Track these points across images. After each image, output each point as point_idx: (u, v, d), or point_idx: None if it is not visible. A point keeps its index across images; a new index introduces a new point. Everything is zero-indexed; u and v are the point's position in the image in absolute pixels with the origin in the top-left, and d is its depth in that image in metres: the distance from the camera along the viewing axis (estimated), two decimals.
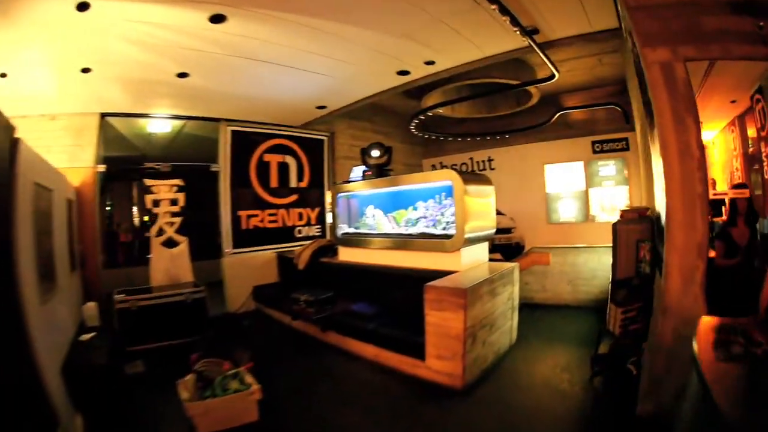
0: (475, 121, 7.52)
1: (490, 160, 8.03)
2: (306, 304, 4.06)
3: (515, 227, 7.07)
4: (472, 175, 3.81)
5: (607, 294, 3.38)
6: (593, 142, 6.74)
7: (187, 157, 5.81)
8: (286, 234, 5.87)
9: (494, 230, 3.90)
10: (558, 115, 6.12)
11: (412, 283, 3.32)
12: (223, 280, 5.14)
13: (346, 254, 4.56)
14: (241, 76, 4.01)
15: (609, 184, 6.69)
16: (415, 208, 4.09)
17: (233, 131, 5.38)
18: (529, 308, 4.59)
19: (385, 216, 4.36)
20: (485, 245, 3.93)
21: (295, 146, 6.04)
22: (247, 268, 5.37)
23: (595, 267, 4.66)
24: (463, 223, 3.40)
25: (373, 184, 4.30)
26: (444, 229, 3.76)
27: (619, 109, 5.69)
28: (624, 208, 3.63)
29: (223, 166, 5.30)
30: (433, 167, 8.72)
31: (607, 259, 3.69)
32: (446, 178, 3.55)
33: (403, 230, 4.16)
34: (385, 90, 4.83)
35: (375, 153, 4.42)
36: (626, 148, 6.43)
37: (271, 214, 5.73)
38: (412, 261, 3.81)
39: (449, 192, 3.64)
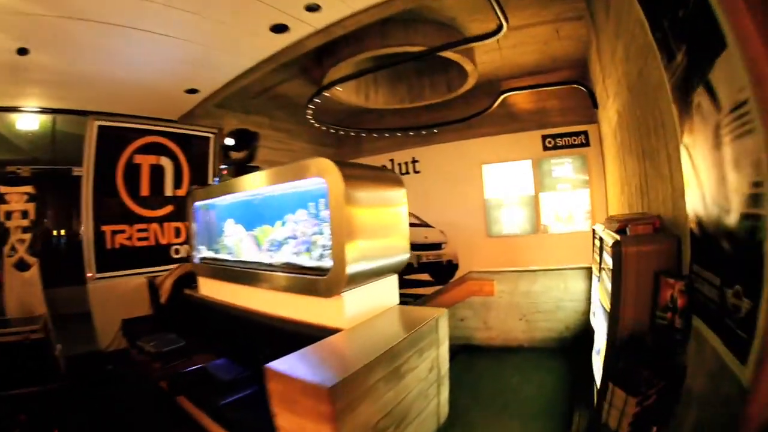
0: (396, 113, 6.69)
1: (414, 161, 7.12)
2: (151, 356, 3.19)
3: (447, 242, 6.60)
4: (366, 170, 2.46)
5: (578, 331, 2.88)
6: (544, 137, 5.86)
7: (63, 160, 5.21)
8: (160, 254, 5.32)
9: (406, 256, 2.55)
10: (501, 98, 4.98)
11: (282, 340, 2.26)
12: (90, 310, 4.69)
13: (206, 287, 3.50)
14: (85, 48, 3.53)
15: (565, 188, 5.78)
16: (283, 223, 2.78)
17: (100, 126, 4.88)
18: (467, 353, 3.83)
19: (247, 234, 3.17)
20: (392, 280, 2.53)
21: (172, 145, 5.50)
22: (116, 297, 4.81)
23: (560, 296, 3.60)
24: (343, 249, 2.03)
25: (231, 189, 3.10)
26: (320, 257, 2.37)
27: (583, 89, 4.60)
28: (617, 216, 2.28)
29: (87, 169, 4.83)
30: None
31: (577, 285, 3.23)
32: (318, 173, 2.18)
33: (265, 257, 2.85)
34: (265, 60, 3.97)
35: (230, 142, 3.35)
36: (585, 143, 5.58)
37: (141, 230, 5.22)
38: (280, 306, 2.54)
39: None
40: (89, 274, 4.79)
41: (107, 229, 4.94)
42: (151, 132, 5.30)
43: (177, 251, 5.41)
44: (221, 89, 4.61)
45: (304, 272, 2.38)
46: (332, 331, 2.09)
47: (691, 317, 1.71)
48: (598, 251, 2.71)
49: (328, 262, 2.19)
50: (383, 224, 2.28)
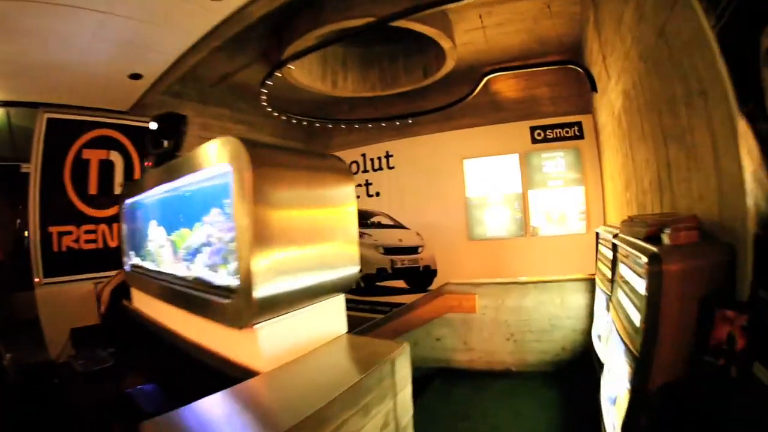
0: (369, 104, 6.31)
1: (388, 156, 6.58)
2: (84, 376, 2.92)
3: (423, 245, 6.14)
4: (295, 156, 1.87)
5: (576, 352, 2.63)
6: (533, 129, 5.37)
7: (25, 157, 5.02)
8: (108, 258, 4.93)
9: (355, 269, 1.98)
10: (485, 80, 4.45)
11: (206, 373, 1.86)
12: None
13: (137, 299, 3.18)
14: (26, 33, 3.30)
15: (556, 185, 5.28)
16: (202, 225, 2.18)
17: (49, 119, 4.68)
18: (443, 378, 3.30)
19: (167, 240, 2.70)
20: (336, 303, 1.97)
21: (123, 138, 5.24)
22: (65, 304, 4.53)
23: (555, 312, 3.11)
24: (249, 264, 1.48)
25: (147, 184, 2.76)
26: (236, 272, 1.73)
27: (580, 70, 4.09)
28: (644, 217, 1.72)
29: (34, 165, 4.63)
30: None
31: (576, 299, 2.84)
32: (225, 159, 1.63)
33: (182, 268, 2.34)
34: (207, 35, 3.63)
35: (153, 127, 2.86)
36: (579, 136, 5.10)
37: (88, 231, 4.92)
38: (199, 332, 2.06)
39: None
40: (36, 279, 4.60)
41: (54, 230, 4.73)
42: (101, 125, 5.08)
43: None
44: (167, 74, 4.31)
45: (214, 292, 1.79)
46: (250, 373, 1.58)
47: (752, 365, 1.25)
48: (607, 262, 2.17)
49: (234, 280, 1.57)
50: (319, 229, 1.69)
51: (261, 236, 1.43)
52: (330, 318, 1.87)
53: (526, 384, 3.11)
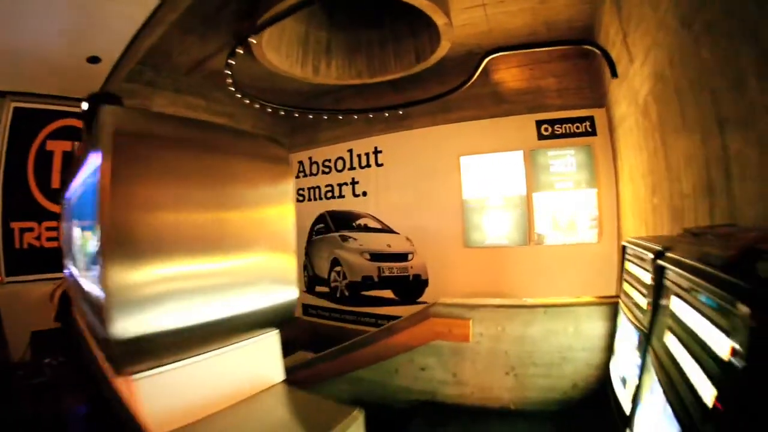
0: (358, 95, 5.93)
1: (376, 152, 6.15)
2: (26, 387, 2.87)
3: (414, 252, 5.75)
4: (187, 127, 1.37)
5: (589, 390, 2.25)
6: (539, 123, 4.87)
7: None
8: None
9: (291, 295, 1.55)
10: (486, 61, 3.96)
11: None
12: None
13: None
14: None
15: (565, 187, 4.76)
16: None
17: (15, 108, 4.61)
18: (427, 416, 2.88)
19: (79, 241, 2.45)
20: (268, 342, 1.50)
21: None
22: (27, 304, 4.43)
23: (567, 343, 2.60)
24: (106, 282, 1.00)
25: (70, 175, 2.61)
26: None
27: (596, 51, 3.62)
28: (718, 230, 1.19)
29: None
30: (301, 166, 6.94)
31: (593, 327, 2.41)
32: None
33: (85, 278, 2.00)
34: (161, 4, 3.33)
35: (85, 107, 2.66)
36: (591, 132, 4.61)
37: (50, 228, 4.81)
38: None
39: None
40: None
41: (16, 226, 4.66)
42: (66, 114, 4.95)
43: None
44: (127, 55, 4.06)
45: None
46: None
47: None
48: (641, 286, 1.67)
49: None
50: (234, 239, 1.17)
51: (124, 245, 0.93)
52: (258, 363, 1.37)
53: (528, 425, 2.63)
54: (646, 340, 1.62)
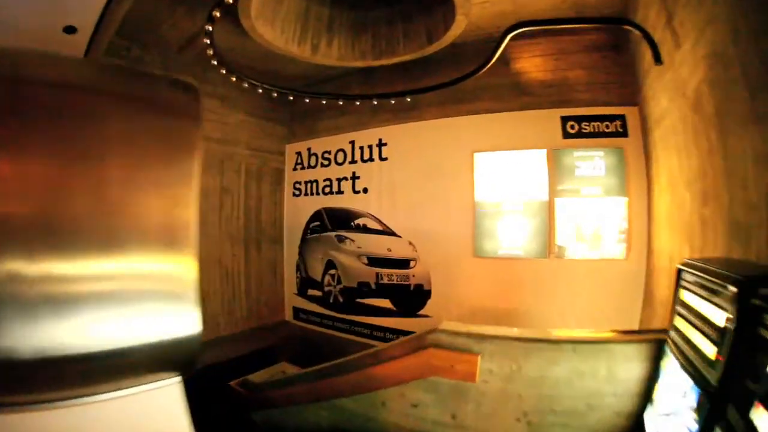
0: (365, 82, 5.67)
1: (381, 144, 5.78)
2: None
3: (417, 259, 5.39)
4: None
5: None
6: (564, 119, 4.42)
7: None
8: None
9: (193, 328, 1.06)
10: (508, 39, 3.58)
11: None
12: None
13: None
14: None
15: (592, 193, 4.32)
16: None
17: None
18: None
19: None
20: (167, 393, 1.03)
21: None
22: None
23: (596, 388, 2.16)
24: None
25: None
26: None
27: (636, 32, 3.24)
28: None
29: None
30: (299, 158, 6.70)
31: (628, 369, 1.99)
32: None
33: None
34: None
35: None
36: (621, 133, 4.19)
37: None
38: None
39: None
40: None
41: None
42: None
43: None
44: (103, 24, 3.81)
45: None
46: None
47: None
48: (710, 329, 1.27)
49: None
50: (91, 230, 0.75)
51: None
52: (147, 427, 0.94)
53: None
54: (714, 405, 1.21)
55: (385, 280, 5.39)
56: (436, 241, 5.16)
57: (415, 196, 5.35)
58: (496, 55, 3.79)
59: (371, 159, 5.77)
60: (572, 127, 4.34)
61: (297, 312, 6.66)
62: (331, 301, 5.99)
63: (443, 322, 2.49)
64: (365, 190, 5.82)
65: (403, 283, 5.32)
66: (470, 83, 4.26)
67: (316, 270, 6.19)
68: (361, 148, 5.89)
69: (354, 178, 5.92)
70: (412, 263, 5.34)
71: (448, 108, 5.03)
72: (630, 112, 4.08)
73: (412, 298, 5.30)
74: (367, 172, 5.80)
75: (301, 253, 6.56)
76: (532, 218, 4.58)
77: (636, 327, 3.72)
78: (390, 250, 5.49)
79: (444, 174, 5.17)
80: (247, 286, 6.40)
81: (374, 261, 5.50)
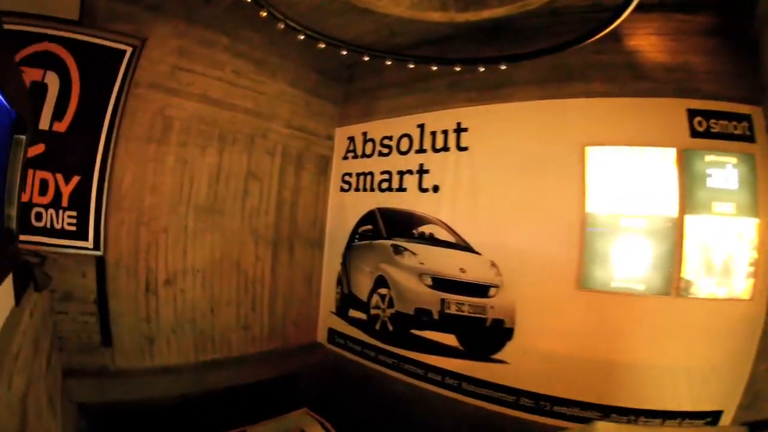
0: (433, 49, 6.36)
1: (459, 130, 6.51)
2: None
3: (500, 286, 5.95)
4: None
5: None
6: (691, 113, 5.02)
7: None
8: None
9: None
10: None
11: None
12: None
13: None
14: None
15: (725, 210, 4.87)
16: None
17: None
18: None
19: None
20: None
21: (66, 56, 5.78)
22: None
23: None
24: None
25: None
26: None
27: None
28: None
29: None
30: (351, 144, 7.73)
31: None
32: None
33: None
34: None
35: None
36: (749, 137, 4.81)
37: None
38: None
39: None
40: None
41: None
42: (44, 37, 5.63)
43: (40, 217, 5.67)
44: None
45: None
46: None
47: None
48: None
49: None
50: None
51: None
52: None
53: None
54: None
55: (453, 310, 6.03)
56: (528, 264, 5.72)
57: (504, 201, 5.97)
58: (619, 21, 4.54)
59: (445, 148, 6.54)
60: (700, 123, 4.96)
61: (333, 335, 7.61)
62: (377, 327, 6.83)
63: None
64: (435, 189, 6.57)
65: (477, 315, 5.95)
66: (577, 60, 4.97)
67: (363, 286, 7.04)
68: (433, 133, 6.68)
69: (421, 171, 6.71)
70: (492, 291, 5.93)
71: (548, 87, 5.72)
72: (755, 112, 4.69)
73: (487, 336, 5.93)
74: (440, 164, 6.57)
75: (345, 264, 7.49)
76: (656, 240, 5.11)
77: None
78: (464, 271, 6.11)
79: (544, 173, 5.74)
80: (271, 298, 7.35)
81: (440, 283, 6.13)
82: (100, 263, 5.77)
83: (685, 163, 4.97)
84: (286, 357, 7.19)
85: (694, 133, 4.95)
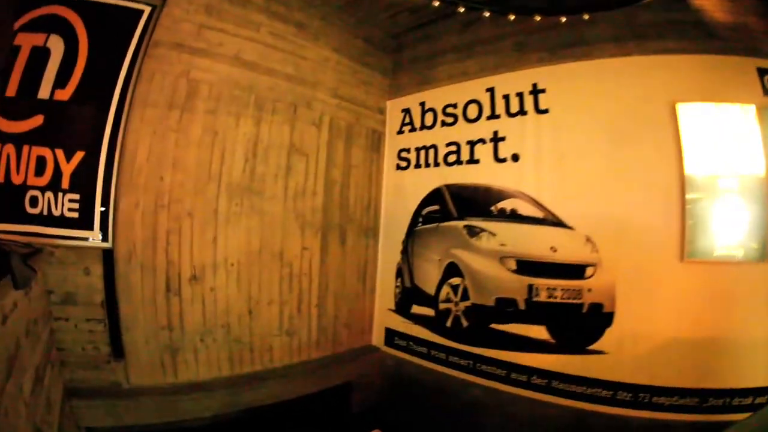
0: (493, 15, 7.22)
1: (536, 92, 7.44)
2: None
3: (597, 264, 6.61)
4: None
5: None
6: (761, 72, 6.17)
7: None
8: (6, 202, 5.78)
9: None
10: None
11: None
12: None
13: None
14: None
15: None
16: None
17: None
18: None
19: None
20: None
21: (74, 18, 6.07)
22: None
23: None
24: None
25: None
26: None
27: None
28: None
29: None
30: (407, 116, 8.86)
31: None
32: None
33: None
34: None
35: None
36: None
37: None
38: None
39: None
40: None
41: None
42: (51, 0, 5.96)
43: (35, 202, 5.80)
44: None
45: None
46: None
47: None
48: None
49: None
50: None
51: None
52: None
53: None
54: None
55: (543, 297, 6.66)
56: (627, 237, 6.48)
57: (594, 167, 6.77)
58: None
59: (522, 112, 7.43)
60: None
61: (391, 336, 8.43)
62: (448, 324, 7.51)
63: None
64: (515, 158, 7.45)
65: (572, 301, 6.55)
66: (647, 17, 6.12)
67: (429, 277, 7.76)
68: (506, 97, 7.57)
69: (496, 140, 7.61)
70: (588, 270, 6.55)
71: (625, 45, 6.69)
72: None
73: (584, 324, 6.56)
74: (518, 130, 7.47)
75: (406, 252, 8.31)
76: (749, 202, 6.16)
77: None
78: (554, 250, 6.76)
79: (634, 134, 6.60)
80: (321, 296, 7.89)
81: (527, 266, 6.77)
82: (108, 257, 5.80)
83: (764, 119, 6.11)
84: (337, 365, 7.55)
85: (767, 92, 6.07)
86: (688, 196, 6.28)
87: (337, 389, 7.13)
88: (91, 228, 5.83)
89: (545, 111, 7.21)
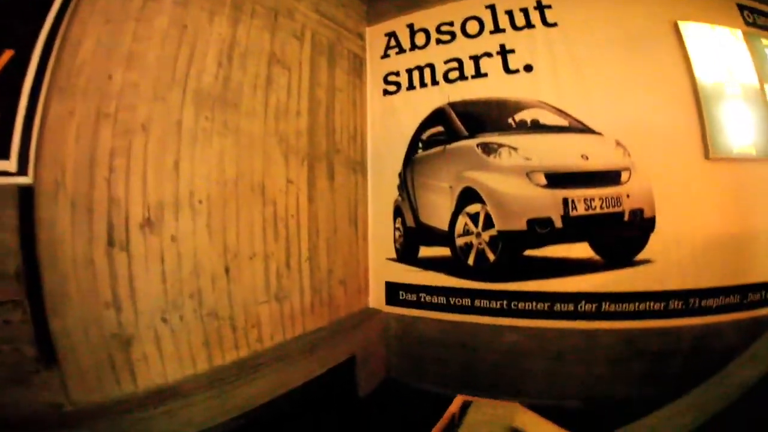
0: None
1: (541, 7, 9.41)
2: None
3: (631, 168, 8.34)
4: None
5: None
6: (741, 7, 9.18)
7: None
8: None
9: None
10: None
11: None
12: None
13: None
14: None
15: None
16: None
17: None
18: None
19: None
20: None
21: None
22: None
23: None
24: None
25: None
26: None
27: None
28: None
29: None
30: (391, 40, 10.67)
31: None
32: None
33: None
34: None
35: None
36: None
37: None
38: None
39: None
40: None
41: None
42: None
43: None
44: None
45: None
46: None
47: None
48: None
49: None
50: None
51: None
52: None
53: None
54: None
55: (582, 210, 7.96)
56: (653, 139, 8.39)
57: (613, 74, 8.72)
58: None
59: (530, 25, 9.31)
60: (748, 16, 9.14)
61: (394, 291, 9.74)
62: (470, 261, 8.88)
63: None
64: (528, 68, 9.28)
65: (612, 210, 7.96)
66: None
67: (439, 210, 9.06)
68: (509, 13, 9.38)
69: (505, 52, 9.41)
70: (624, 175, 8.06)
71: None
72: None
73: (628, 232, 8.10)
74: (527, 43, 9.33)
75: (404, 186, 9.69)
76: (753, 106, 8.60)
77: None
78: (586, 158, 8.17)
79: (644, 47, 8.77)
80: (311, 246, 8.69)
81: (559, 179, 8.11)
82: (26, 197, 5.11)
83: (750, 44, 8.82)
84: (337, 337, 8.14)
85: (748, 24, 8.80)
86: (703, 93, 8.37)
87: (339, 369, 7.74)
88: (6, 156, 5.18)
89: (554, 24, 9.02)
